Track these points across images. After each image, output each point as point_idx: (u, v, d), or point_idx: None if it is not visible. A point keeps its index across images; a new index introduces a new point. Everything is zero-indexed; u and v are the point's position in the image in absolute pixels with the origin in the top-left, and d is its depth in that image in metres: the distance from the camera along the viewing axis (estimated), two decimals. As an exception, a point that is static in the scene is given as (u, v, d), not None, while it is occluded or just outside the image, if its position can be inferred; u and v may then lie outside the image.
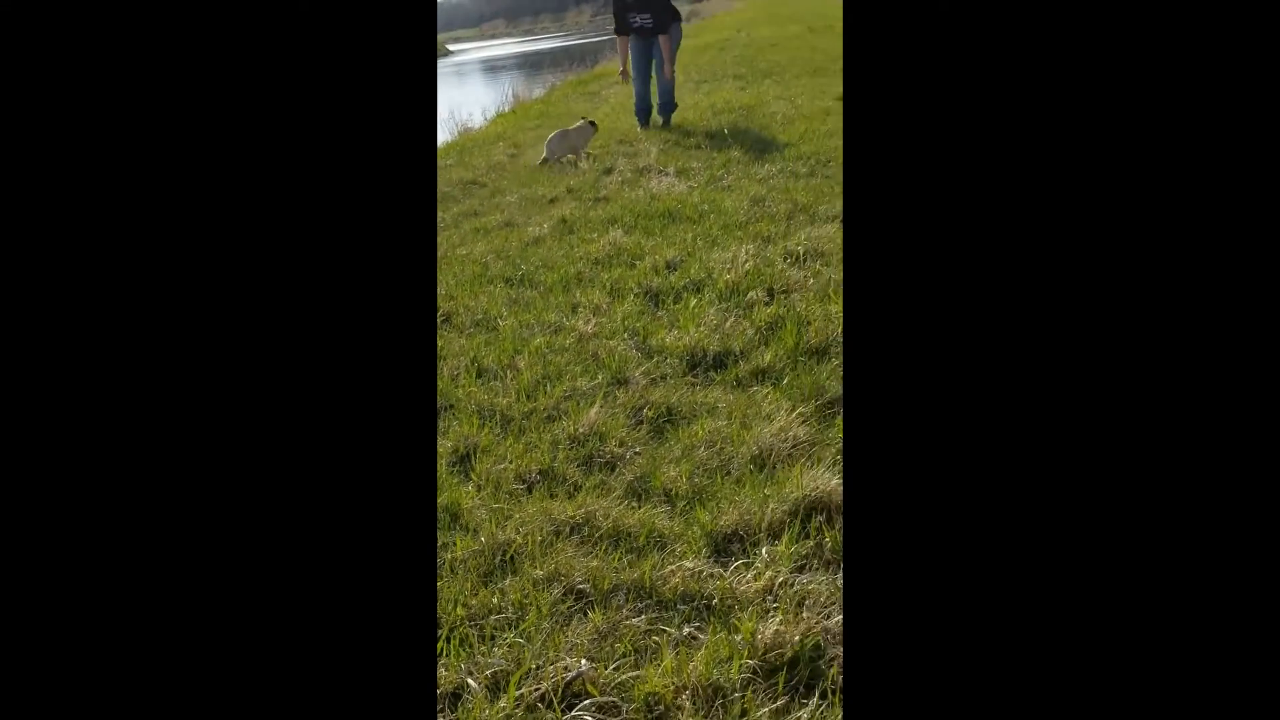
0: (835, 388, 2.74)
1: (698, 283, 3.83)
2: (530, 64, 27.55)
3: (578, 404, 2.84)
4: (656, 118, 7.99)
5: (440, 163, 8.26)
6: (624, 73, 8.03)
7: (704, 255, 4.18)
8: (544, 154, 7.23)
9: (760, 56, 13.44)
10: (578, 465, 2.50)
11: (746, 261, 3.93)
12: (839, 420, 2.57)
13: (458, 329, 3.66)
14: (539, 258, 4.52)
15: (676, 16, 7.65)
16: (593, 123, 7.47)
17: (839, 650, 1.70)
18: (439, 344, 3.49)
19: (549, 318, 3.64)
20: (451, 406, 2.92)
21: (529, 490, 2.40)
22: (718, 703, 1.61)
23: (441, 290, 4.14)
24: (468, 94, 17.71)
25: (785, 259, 3.97)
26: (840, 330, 3.13)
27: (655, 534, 2.13)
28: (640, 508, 2.25)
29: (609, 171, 6.53)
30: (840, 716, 1.56)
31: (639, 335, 3.35)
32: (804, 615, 1.77)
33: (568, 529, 2.18)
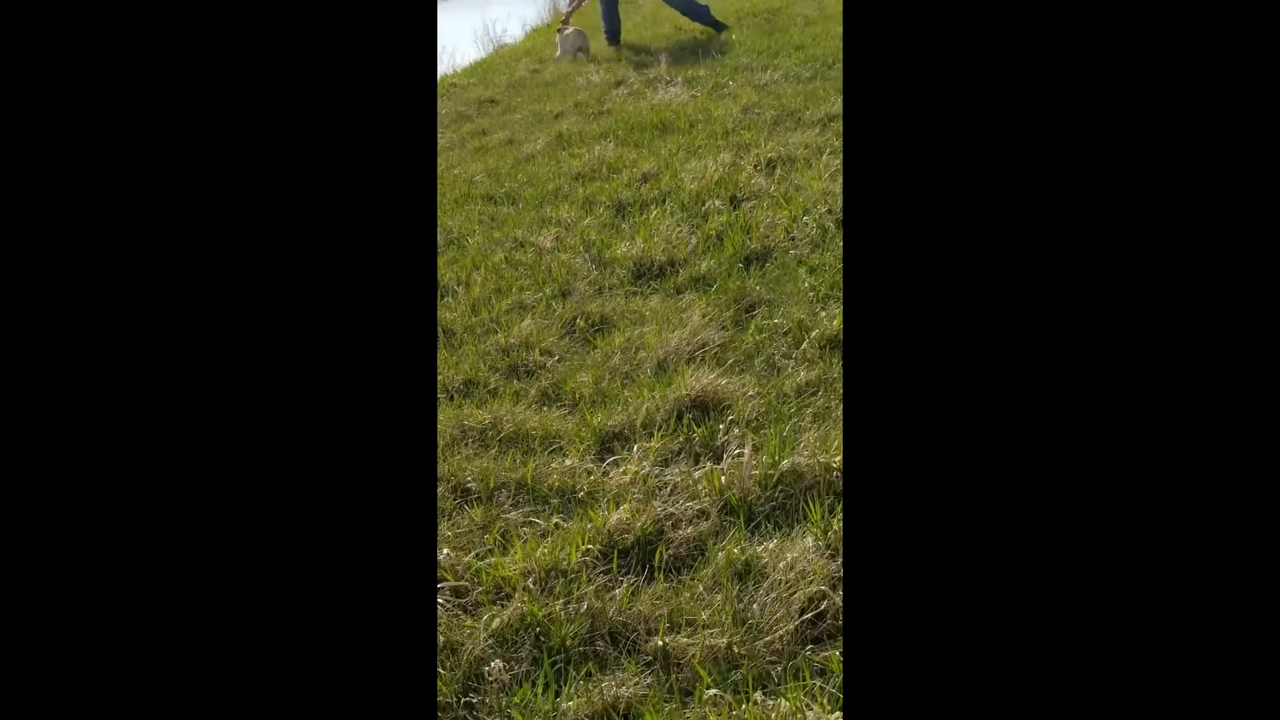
0: (759, 291, 2.84)
1: (665, 194, 3.91)
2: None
3: (517, 316, 2.99)
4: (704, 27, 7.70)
5: (463, 82, 8.35)
6: (566, 18, 8.00)
7: (680, 166, 4.24)
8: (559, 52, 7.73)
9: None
10: (500, 374, 2.66)
11: (716, 171, 3.99)
12: (754, 323, 2.68)
13: (432, 248, 3.82)
14: (526, 175, 4.64)
15: None
16: (566, 20, 8.10)
17: (677, 533, 1.85)
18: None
19: (517, 234, 3.77)
20: (403, 323, 3.09)
21: (450, 399, 2.56)
22: (555, 583, 1.77)
23: (425, 211, 4.29)
24: (515, 8, 17.55)
25: (755, 167, 4.02)
26: (781, 235, 3.22)
27: (551, 436, 2.28)
28: (546, 412, 2.41)
29: (619, 84, 6.56)
30: (663, 589, 1.72)
31: (595, 248, 3.47)
32: (653, 504, 1.92)
33: (475, 433, 2.34)
